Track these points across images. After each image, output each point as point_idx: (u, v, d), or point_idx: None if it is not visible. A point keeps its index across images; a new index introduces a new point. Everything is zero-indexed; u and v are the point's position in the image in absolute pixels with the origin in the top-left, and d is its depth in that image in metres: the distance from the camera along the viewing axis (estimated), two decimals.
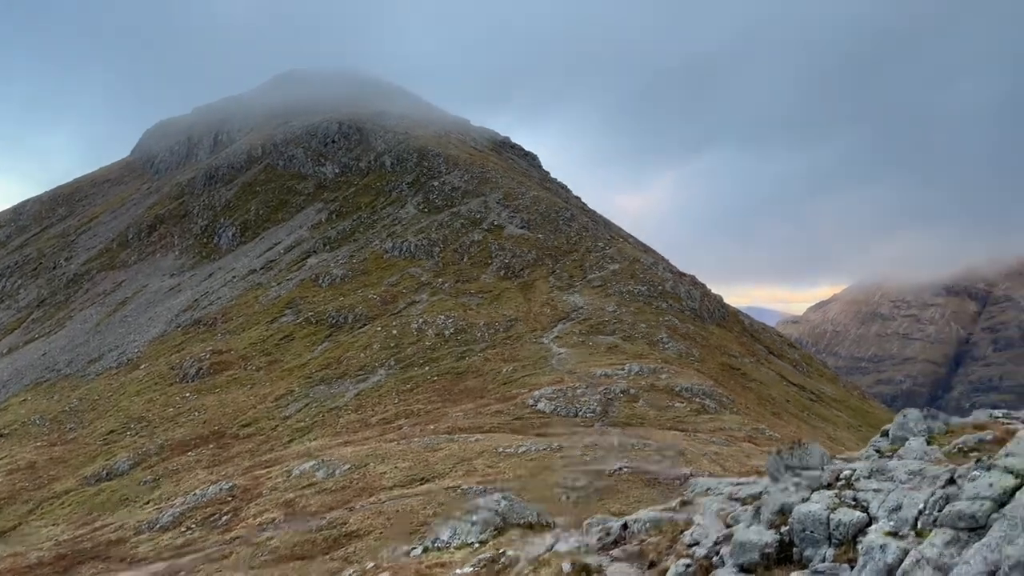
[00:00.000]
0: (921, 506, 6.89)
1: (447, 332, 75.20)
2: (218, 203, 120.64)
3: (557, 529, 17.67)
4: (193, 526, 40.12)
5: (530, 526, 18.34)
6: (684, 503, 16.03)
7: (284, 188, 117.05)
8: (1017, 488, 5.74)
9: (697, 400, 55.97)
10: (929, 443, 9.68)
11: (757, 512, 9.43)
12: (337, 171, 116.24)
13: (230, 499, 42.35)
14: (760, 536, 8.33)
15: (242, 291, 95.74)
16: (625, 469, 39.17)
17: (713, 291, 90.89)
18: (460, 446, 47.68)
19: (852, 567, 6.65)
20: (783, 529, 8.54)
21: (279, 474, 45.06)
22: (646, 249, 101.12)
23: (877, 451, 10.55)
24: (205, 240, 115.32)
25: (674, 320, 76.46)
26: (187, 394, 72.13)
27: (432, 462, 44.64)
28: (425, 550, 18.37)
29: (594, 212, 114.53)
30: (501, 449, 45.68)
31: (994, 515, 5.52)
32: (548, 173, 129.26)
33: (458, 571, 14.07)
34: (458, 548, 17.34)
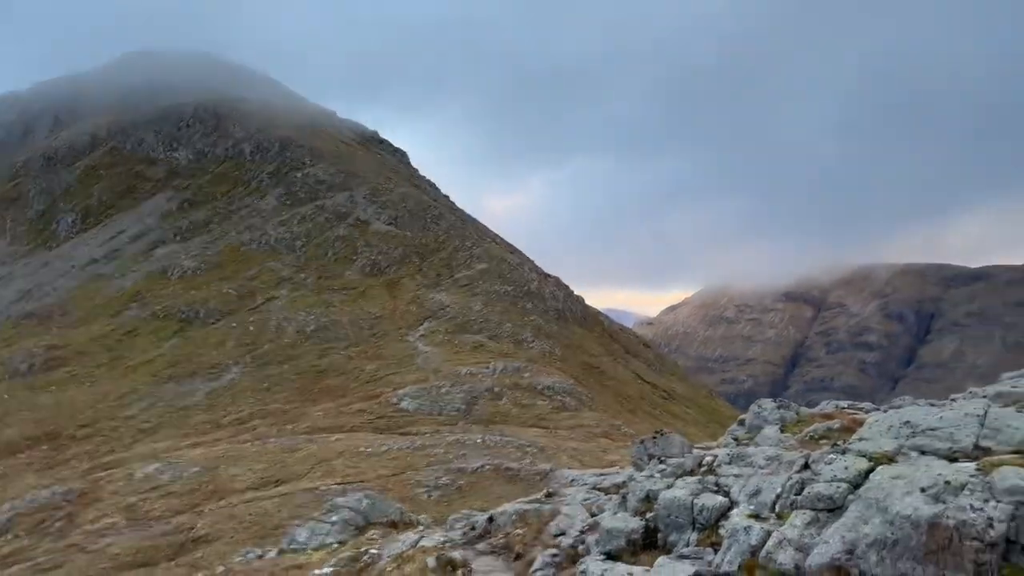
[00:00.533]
0: (779, 490, 7.23)
1: (308, 329, 72.91)
2: (57, 187, 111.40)
3: (420, 526, 17.36)
4: (22, 533, 36.82)
5: (393, 524, 17.94)
6: (549, 495, 16.18)
7: (131, 173, 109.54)
8: (870, 471, 6.12)
9: (559, 398, 57.18)
10: (783, 431, 10.22)
11: (623, 500, 9.59)
12: (191, 157, 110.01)
13: (65, 504, 39.17)
14: (626, 523, 8.45)
15: (82, 282, 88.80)
16: (488, 466, 39.41)
17: (576, 292, 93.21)
18: (319, 446, 46.33)
19: (716, 550, 6.84)
20: (649, 516, 8.72)
21: (121, 477, 42.13)
22: (512, 250, 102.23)
23: (735, 439, 11.02)
24: (41, 226, 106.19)
25: (539, 320, 77.74)
26: (17, 392, 66.06)
27: (289, 463, 43.12)
28: (280, 552, 17.58)
29: (462, 211, 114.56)
30: (363, 449, 44.78)
31: (850, 496, 5.85)
32: (416, 170, 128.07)
33: (316, 572, 13.51)
34: (315, 549, 16.70)
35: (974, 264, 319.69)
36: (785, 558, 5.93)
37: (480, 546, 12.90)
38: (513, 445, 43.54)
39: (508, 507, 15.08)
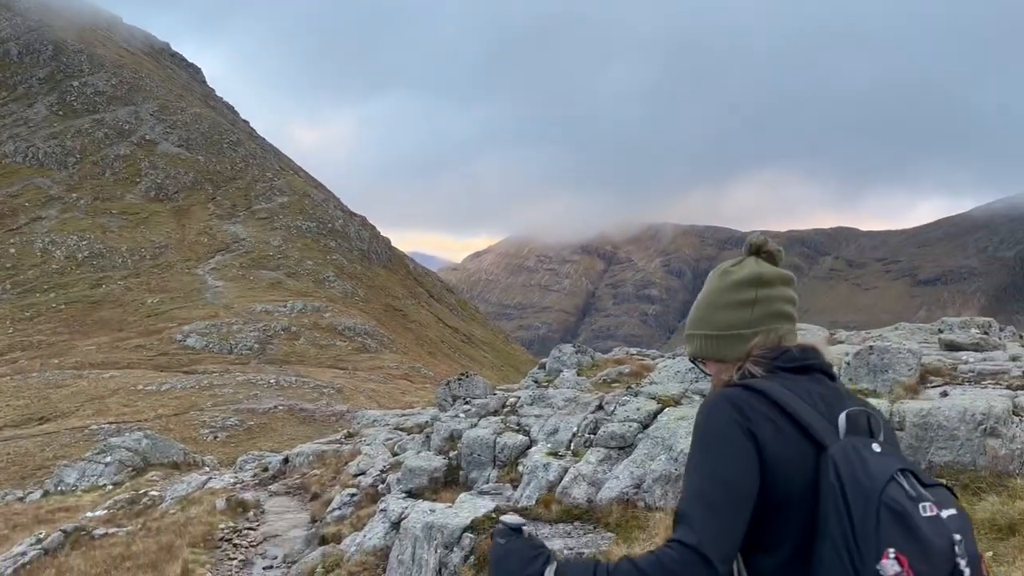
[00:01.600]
0: (575, 429, 7.60)
1: (80, 255, 66.22)
2: None
3: (206, 468, 16.45)
4: None
5: (175, 466, 16.90)
6: (349, 435, 15.94)
7: None
8: (659, 412, 6.58)
9: (359, 339, 56.52)
10: (579, 374, 10.71)
11: (427, 440, 9.63)
12: None
13: None
14: (429, 462, 8.55)
15: None
16: (281, 407, 38.20)
17: (382, 234, 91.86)
18: (91, 383, 42.62)
19: (515, 487, 7.05)
20: (452, 454, 8.86)
21: None
22: (317, 185, 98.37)
23: (535, 381, 11.40)
24: None
25: (342, 259, 75.90)
26: None
27: (55, 400, 39.35)
28: (46, 495, 15.98)
29: (263, 139, 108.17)
30: (141, 387, 41.77)
31: (639, 435, 6.26)
32: (213, 90, 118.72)
33: (88, 514, 12.41)
34: (87, 491, 15.34)
35: (745, 228, 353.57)
36: (579, 492, 6.22)
37: (274, 487, 12.51)
38: (309, 386, 42.55)
39: (305, 447, 14.71)
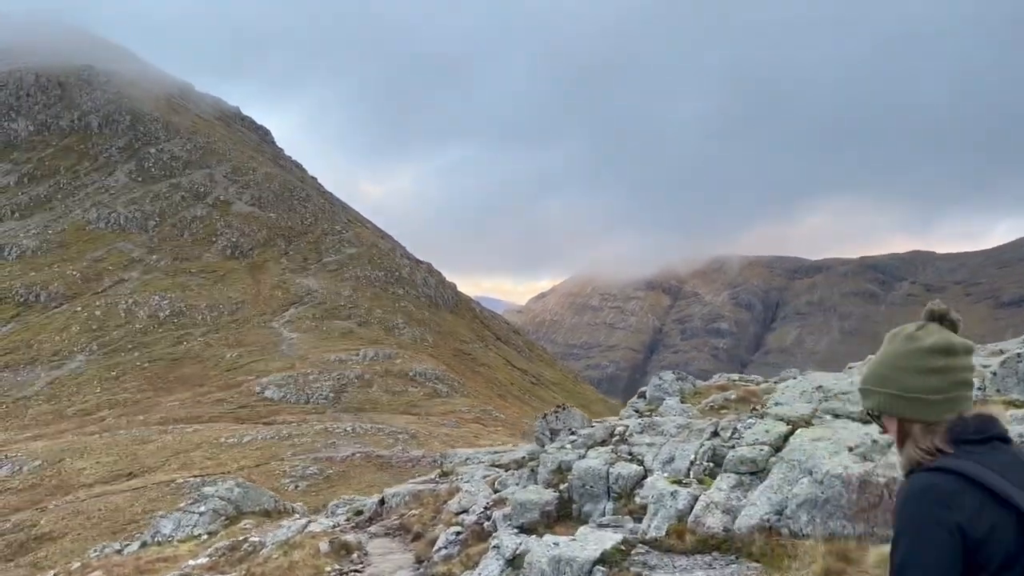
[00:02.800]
0: (692, 456, 7.32)
1: (162, 314, 68.71)
2: None
3: (296, 515, 16.50)
4: None
5: (267, 513, 16.98)
6: (444, 474, 15.77)
7: None
8: (790, 434, 6.28)
9: (430, 384, 56.81)
10: (683, 402, 10.39)
11: (532, 473, 9.41)
12: (32, 129, 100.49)
13: None
14: (539, 495, 8.30)
15: None
16: (358, 454, 38.51)
17: (447, 279, 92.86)
18: (175, 437, 43.74)
19: (635, 518, 6.79)
20: (562, 487, 8.61)
21: None
22: (383, 235, 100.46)
23: (636, 411, 11.11)
24: None
25: (410, 306, 76.90)
26: None
27: (141, 456, 40.46)
28: (143, 545, 16.24)
29: (331, 194, 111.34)
30: (223, 439, 42.66)
31: (772, 459, 5.96)
32: (282, 150, 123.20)
33: (191, 562, 12.50)
34: (183, 541, 15.52)
35: (815, 257, 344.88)
36: (714, 521, 5.97)
37: (372, 528, 12.37)
38: (384, 432, 42.82)
39: (400, 488, 14.57)
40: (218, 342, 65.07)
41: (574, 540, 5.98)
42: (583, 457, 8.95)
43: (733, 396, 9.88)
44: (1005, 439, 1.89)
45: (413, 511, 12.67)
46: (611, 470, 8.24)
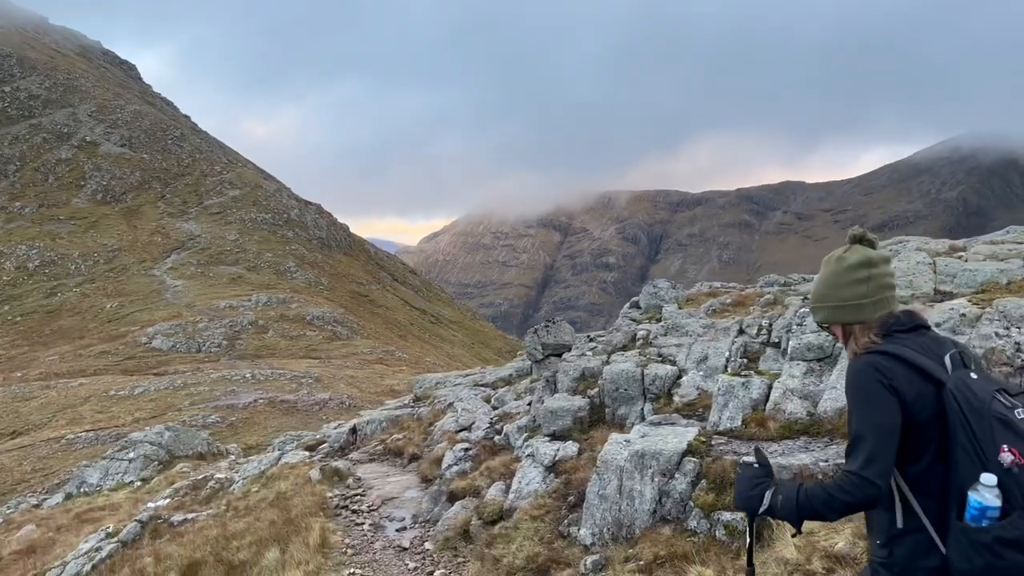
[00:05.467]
0: (727, 353, 7.58)
1: (31, 265, 64.18)
2: None
3: (231, 456, 16.11)
4: None
5: (201, 456, 16.51)
6: (417, 399, 15.70)
7: None
8: None
9: (328, 327, 55.95)
10: (679, 308, 10.72)
11: (547, 383, 9.45)
12: None
13: None
14: (570, 402, 8.37)
15: None
16: (260, 400, 37.71)
17: (339, 221, 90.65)
18: (59, 393, 41.53)
19: (683, 415, 7.03)
20: (590, 393, 8.65)
21: None
22: (268, 176, 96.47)
23: (633, 319, 11.39)
24: None
25: (301, 249, 74.80)
26: None
27: (24, 413, 38.30)
28: (68, 496, 15.48)
29: (207, 134, 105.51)
30: (112, 392, 40.84)
31: (839, 344, 6.10)
32: (150, 86, 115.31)
33: (151, 504, 11.92)
34: (114, 489, 14.89)
35: (696, 190, 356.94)
36: (794, 408, 6.10)
37: (354, 456, 12.25)
38: (286, 377, 42.06)
39: (376, 414, 14.44)
40: (96, 292, 61.57)
41: (644, 437, 6.07)
42: (607, 363, 9.01)
43: (728, 301, 10.31)
44: (926, 327, 2.43)
45: (397, 435, 12.60)
46: (645, 372, 8.33)
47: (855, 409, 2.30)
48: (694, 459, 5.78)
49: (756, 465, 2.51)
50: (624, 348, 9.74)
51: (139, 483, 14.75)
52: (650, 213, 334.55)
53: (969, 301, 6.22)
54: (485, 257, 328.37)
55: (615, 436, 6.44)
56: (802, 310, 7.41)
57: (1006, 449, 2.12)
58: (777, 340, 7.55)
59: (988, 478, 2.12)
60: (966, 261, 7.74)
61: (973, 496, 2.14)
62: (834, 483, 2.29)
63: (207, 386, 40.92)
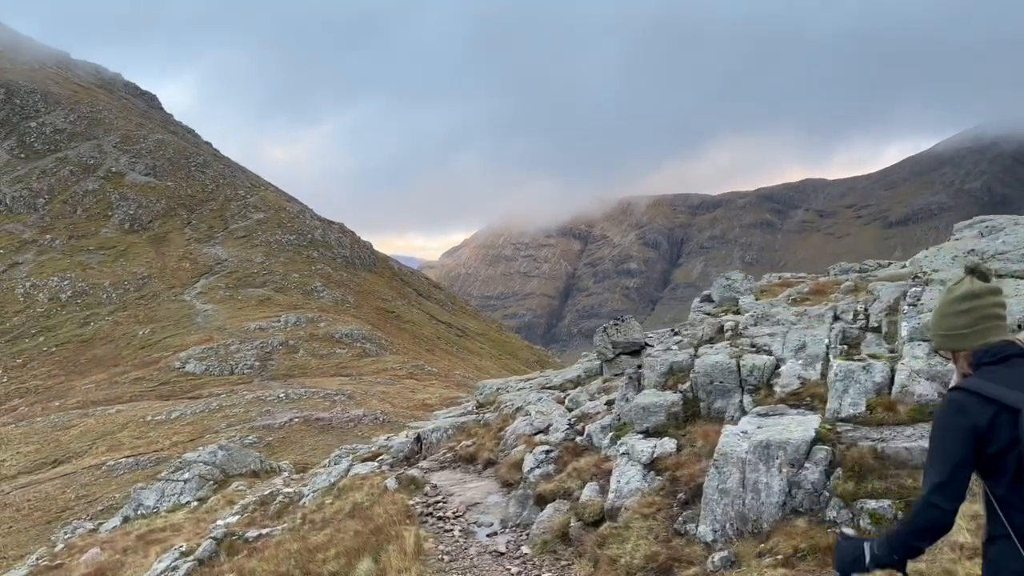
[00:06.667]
0: (827, 340, 7.31)
1: (63, 296, 64.98)
2: None
3: (285, 472, 15.97)
4: None
5: (255, 474, 16.37)
6: (480, 405, 15.47)
7: None
8: None
9: (358, 344, 56.01)
10: (757, 300, 10.41)
11: (632, 379, 9.19)
12: None
13: None
14: (663, 398, 8.13)
15: None
16: (296, 419, 37.71)
17: (362, 239, 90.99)
18: (97, 420, 41.82)
19: (792, 405, 6.78)
20: (682, 387, 8.43)
21: None
22: (290, 198, 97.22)
23: (707, 314, 11.09)
24: None
25: (327, 268, 75.16)
26: None
27: (64, 441, 38.57)
28: (125, 520, 15.38)
29: (229, 159, 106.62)
30: (150, 417, 41.06)
31: None
32: (171, 115, 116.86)
33: (221, 522, 11.80)
34: (171, 511, 14.78)
35: (716, 192, 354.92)
36: (923, 390, 5.88)
37: (424, 464, 12.04)
38: (319, 396, 42.07)
39: (440, 423, 14.26)
40: (128, 319, 62.16)
41: (761, 428, 5.82)
42: (696, 356, 8.79)
43: (806, 289, 10.07)
44: (1021, 355, 2.58)
45: (465, 442, 12.35)
46: (741, 363, 8.11)
47: (931, 441, 2.60)
48: (825, 447, 5.56)
49: (854, 536, 2.79)
50: (711, 340, 9.44)
51: (196, 503, 14.61)
52: (670, 217, 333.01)
53: None
54: (506, 269, 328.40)
55: (729, 428, 6.22)
56: (913, 289, 7.07)
57: None
58: (876, 324, 7.27)
59: None
60: None
61: None
62: (911, 510, 2.57)
63: (242, 408, 41.01)
